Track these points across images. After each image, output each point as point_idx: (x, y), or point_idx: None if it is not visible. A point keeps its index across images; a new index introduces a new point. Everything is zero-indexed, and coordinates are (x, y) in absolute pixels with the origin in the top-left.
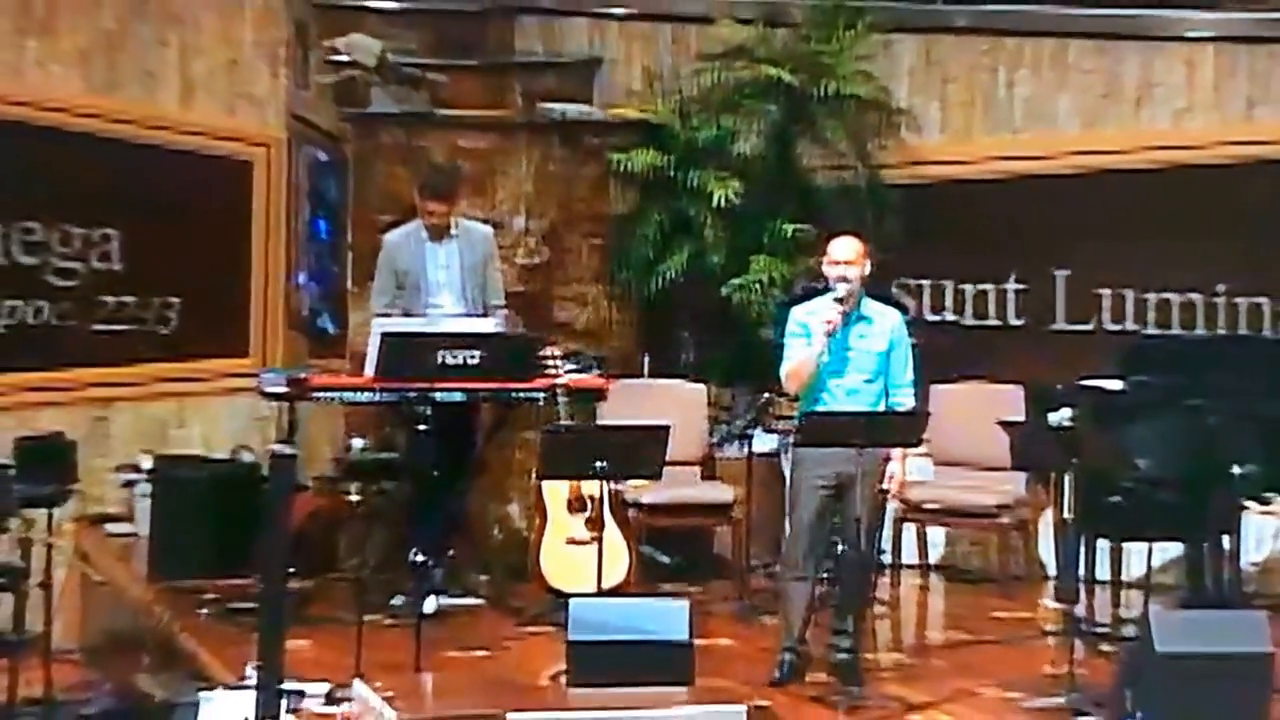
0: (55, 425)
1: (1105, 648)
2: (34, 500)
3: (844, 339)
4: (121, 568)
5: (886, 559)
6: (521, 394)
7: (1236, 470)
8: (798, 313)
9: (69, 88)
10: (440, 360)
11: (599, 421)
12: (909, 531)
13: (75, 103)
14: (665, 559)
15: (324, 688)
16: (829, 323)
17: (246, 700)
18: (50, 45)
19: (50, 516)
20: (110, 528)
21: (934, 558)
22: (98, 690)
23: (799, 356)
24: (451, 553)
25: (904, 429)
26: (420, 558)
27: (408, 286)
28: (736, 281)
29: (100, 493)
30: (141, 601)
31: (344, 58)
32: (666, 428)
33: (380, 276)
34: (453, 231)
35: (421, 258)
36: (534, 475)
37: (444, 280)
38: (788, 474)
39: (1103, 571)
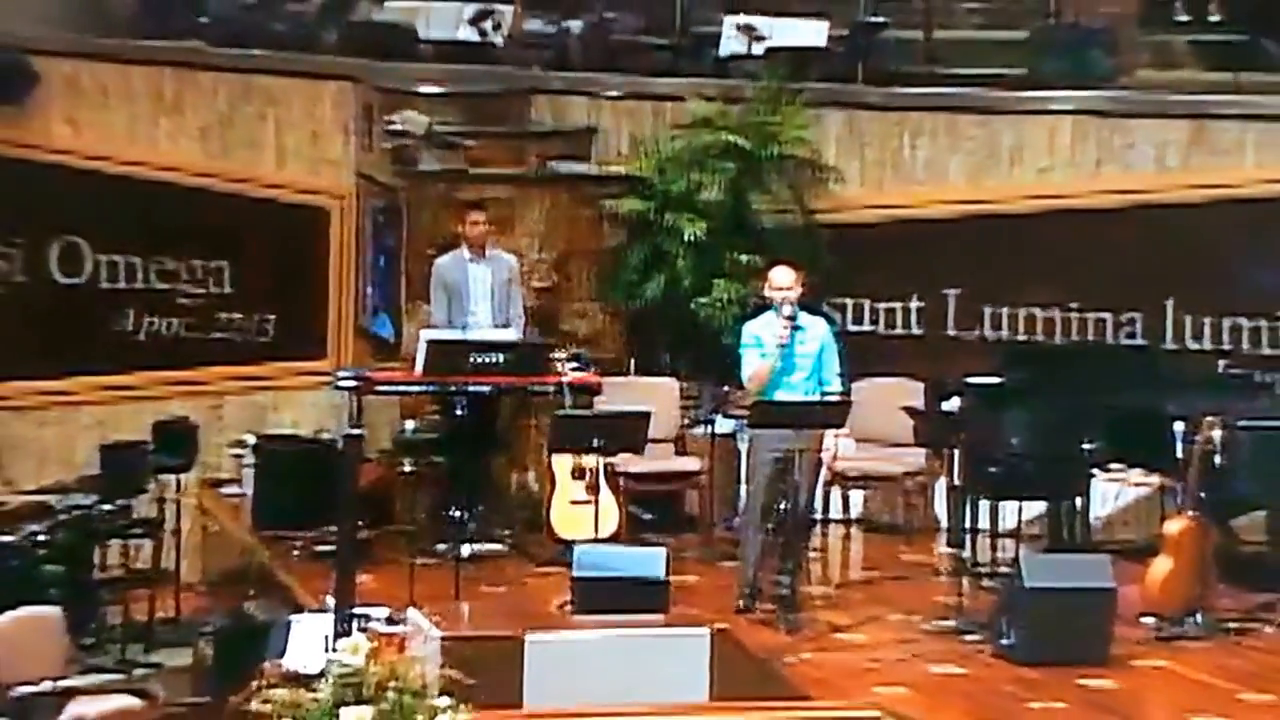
0: (182, 412)
1: (986, 583)
2: (167, 469)
3: (790, 346)
4: (232, 520)
5: (819, 514)
6: (535, 388)
7: (1086, 446)
8: (750, 327)
9: (192, 155)
10: (473, 361)
11: (596, 409)
12: (835, 493)
13: (196, 167)
14: (647, 515)
15: (385, 612)
16: (781, 336)
17: (326, 621)
18: (177, 123)
19: (179, 481)
20: (224, 489)
21: (854, 513)
22: (214, 613)
23: (757, 365)
24: (481, 510)
25: (833, 414)
26: (457, 514)
27: (452, 299)
28: (703, 300)
29: (216, 462)
30: (247, 546)
31: (400, 128)
32: (648, 414)
33: (436, 297)
34: (488, 253)
35: (464, 275)
36: (545, 450)
37: (481, 293)
38: (742, 450)
39: (984, 524)
